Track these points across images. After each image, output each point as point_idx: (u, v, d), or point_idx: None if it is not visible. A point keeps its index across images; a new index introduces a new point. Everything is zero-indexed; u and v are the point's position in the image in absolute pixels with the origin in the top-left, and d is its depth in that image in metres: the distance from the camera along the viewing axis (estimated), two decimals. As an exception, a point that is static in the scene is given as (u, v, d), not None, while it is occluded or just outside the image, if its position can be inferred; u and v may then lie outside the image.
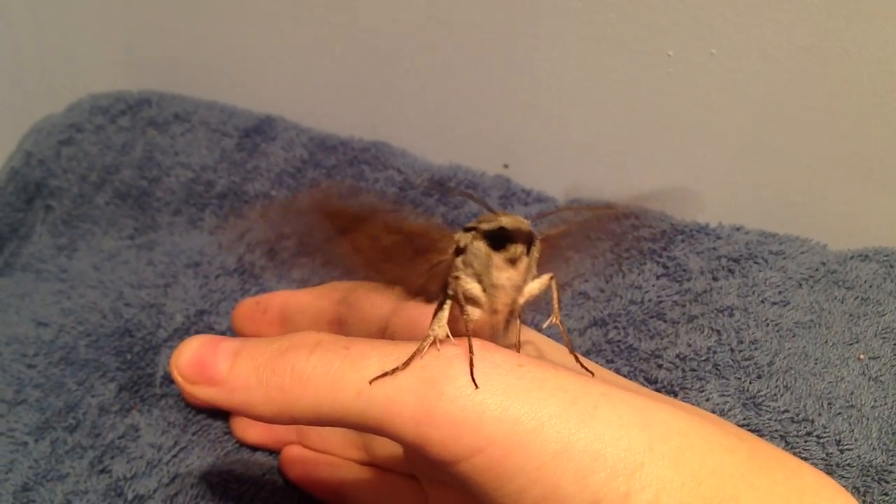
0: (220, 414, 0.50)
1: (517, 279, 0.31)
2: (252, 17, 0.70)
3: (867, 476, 0.40)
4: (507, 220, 0.30)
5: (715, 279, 0.51)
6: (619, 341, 0.50)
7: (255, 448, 0.49)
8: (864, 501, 0.40)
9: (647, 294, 0.52)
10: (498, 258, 0.31)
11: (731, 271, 0.51)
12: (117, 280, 0.58)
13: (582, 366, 0.34)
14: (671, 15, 0.55)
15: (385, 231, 0.32)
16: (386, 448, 0.44)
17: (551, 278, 0.32)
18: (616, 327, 0.50)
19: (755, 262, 0.51)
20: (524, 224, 0.31)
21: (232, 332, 0.52)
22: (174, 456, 0.47)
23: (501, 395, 0.28)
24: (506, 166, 0.67)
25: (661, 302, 0.51)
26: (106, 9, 0.74)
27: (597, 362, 0.48)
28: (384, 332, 0.41)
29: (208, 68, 0.74)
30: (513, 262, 0.31)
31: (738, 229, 0.54)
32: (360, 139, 0.66)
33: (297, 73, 0.71)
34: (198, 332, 0.54)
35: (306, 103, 0.70)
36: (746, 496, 0.27)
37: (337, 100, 0.70)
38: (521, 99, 0.64)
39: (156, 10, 0.73)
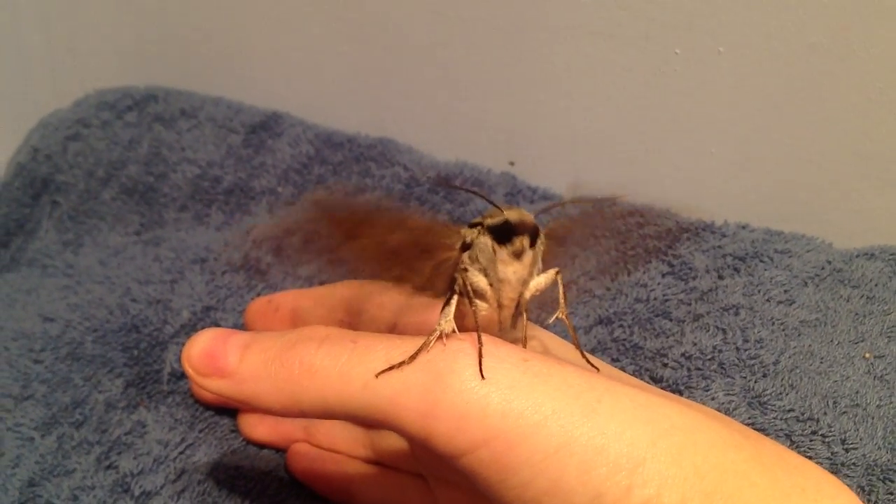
0: (228, 411, 0.50)
1: (522, 273, 0.31)
2: (259, 13, 0.70)
3: (872, 475, 0.40)
4: (511, 214, 0.31)
5: (720, 278, 0.51)
6: (624, 340, 0.50)
7: (261, 446, 0.49)
8: (869, 501, 0.40)
9: (652, 292, 0.51)
10: (503, 252, 0.31)
11: (736, 270, 0.51)
12: (124, 276, 0.58)
13: (588, 361, 0.34)
14: (679, 13, 0.55)
15: (391, 231, 0.32)
16: (393, 446, 0.44)
17: (557, 273, 0.33)
18: (621, 326, 0.50)
19: (761, 261, 0.51)
20: (528, 218, 0.31)
21: (238, 328, 0.52)
22: (181, 452, 0.47)
23: (506, 389, 0.29)
24: (512, 164, 0.66)
25: (666, 300, 0.51)
26: (113, 4, 0.74)
27: (602, 360, 0.49)
28: (392, 331, 0.41)
29: (215, 64, 0.74)
30: (518, 255, 0.31)
31: (744, 227, 0.54)
32: (366, 136, 0.66)
33: (304, 70, 0.71)
34: (204, 329, 0.54)
35: (313, 99, 0.70)
36: (748, 493, 0.27)
37: (343, 96, 0.70)
38: (528, 96, 0.64)
39: (162, 5, 0.73)
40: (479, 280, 0.32)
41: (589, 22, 0.58)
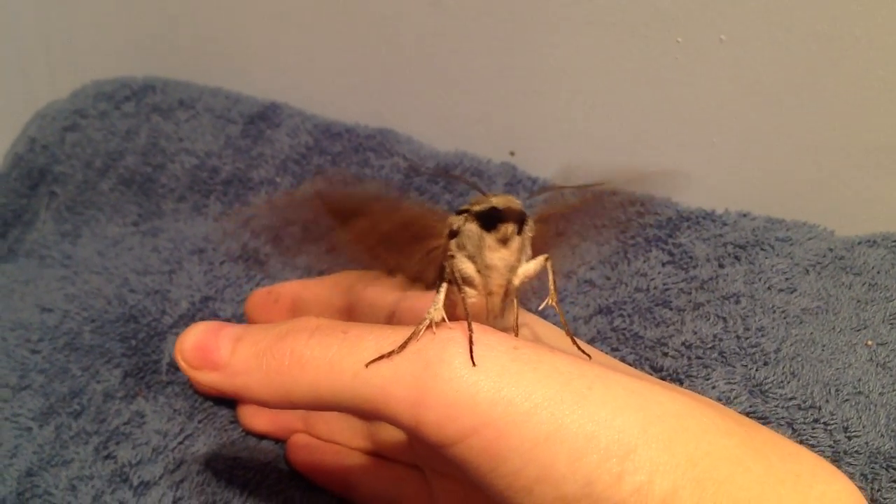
0: (227, 402, 0.50)
1: (510, 259, 0.31)
2: (257, 2, 0.69)
3: (875, 463, 0.40)
4: (497, 201, 0.31)
5: (721, 266, 0.51)
6: (624, 329, 0.50)
7: (261, 437, 0.49)
8: (872, 489, 0.39)
9: (652, 281, 0.51)
10: (490, 238, 0.31)
11: (737, 258, 0.51)
12: (122, 266, 0.58)
13: (579, 348, 0.34)
14: (680, 1, 0.55)
15: (383, 217, 0.32)
16: (391, 437, 0.44)
17: (546, 259, 0.32)
18: (621, 315, 0.50)
19: (762, 249, 0.51)
20: (515, 203, 0.31)
21: (237, 318, 0.53)
22: (180, 443, 0.47)
23: (496, 377, 0.28)
24: (512, 154, 0.66)
25: (666, 289, 0.51)
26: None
27: (602, 350, 0.48)
28: (391, 320, 0.41)
29: (213, 55, 0.73)
30: (504, 241, 0.31)
31: (744, 216, 0.54)
32: (365, 126, 0.66)
33: (303, 60, 0.71)
34: (203, 319, 0.54)
35: (311, 90, 0.70)
36: (741, 479, 0.27)
37: (342, 86, 0.70)
38: (528, 86, 0.64)
39: (160, -4, 0.73)
40: (467, 267, 0.31)
41: (589, 11, 0.58)
